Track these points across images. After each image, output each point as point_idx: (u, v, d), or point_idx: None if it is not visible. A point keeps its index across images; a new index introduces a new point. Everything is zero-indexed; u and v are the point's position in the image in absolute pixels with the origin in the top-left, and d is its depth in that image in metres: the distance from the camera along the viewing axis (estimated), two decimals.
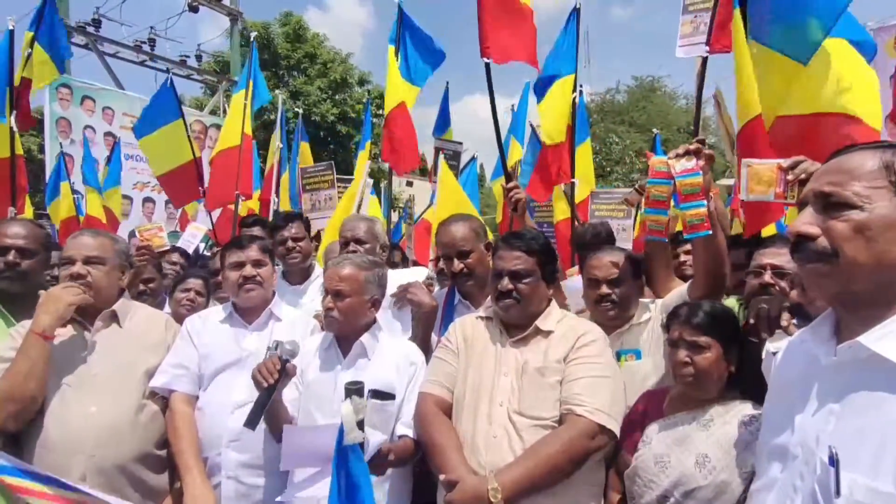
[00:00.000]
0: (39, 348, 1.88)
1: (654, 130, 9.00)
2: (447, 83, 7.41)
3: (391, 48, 4.83)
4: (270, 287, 2.35)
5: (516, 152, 6.77)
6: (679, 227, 2.89)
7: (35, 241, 2.28)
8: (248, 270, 2.25)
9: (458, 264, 2.39)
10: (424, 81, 5.01)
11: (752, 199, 2.09)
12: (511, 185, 2.67)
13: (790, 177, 1.78)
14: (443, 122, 7.25)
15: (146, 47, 13.50)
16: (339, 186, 5.28)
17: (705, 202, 1.72)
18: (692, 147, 1.77)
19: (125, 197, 8.44)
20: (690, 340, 1.73)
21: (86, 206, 6.26)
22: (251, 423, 1.79)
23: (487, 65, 3.18)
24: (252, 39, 5.58)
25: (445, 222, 2.54)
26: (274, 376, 1.81)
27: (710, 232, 1.72)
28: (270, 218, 5.15)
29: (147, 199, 10.41)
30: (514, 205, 2.57)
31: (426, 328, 2.44)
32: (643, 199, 1.97)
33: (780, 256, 1.96)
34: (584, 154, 5.69)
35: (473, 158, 8.05)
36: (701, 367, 1.71)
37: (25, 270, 2.21)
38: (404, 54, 4.86)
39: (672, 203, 1.93)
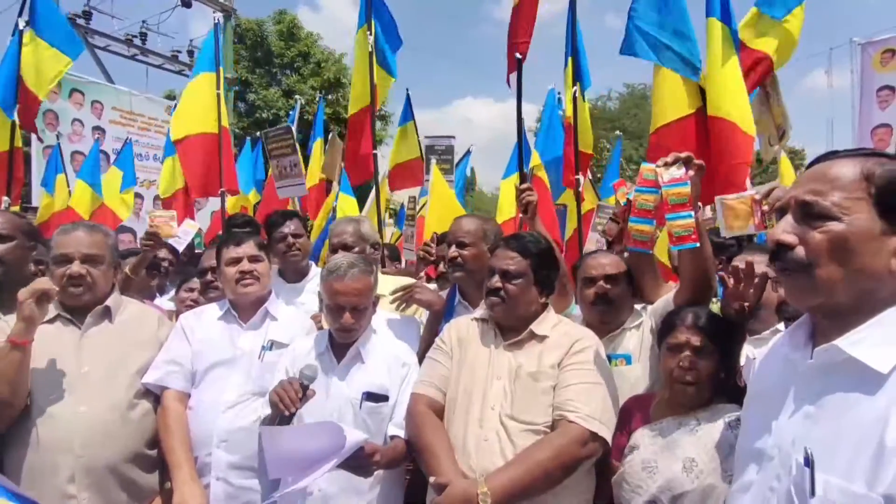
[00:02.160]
0: (6, 353, 1.81)
1: (617, 132, 9.05)
2: (407, 90, 7.52)
3: (362, 30, 4.48)
4: (267, 284, 2.34)
5: (535, 162, 6.70)
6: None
7: (13, 227, 2.23)
8: (246, 265, 2.24)
9: (453, 251, 2.37)
10: (395, 71, 4.74)
11: (733, 234, 2.16)
12: (524, 186, 2.60)
13: (765, 207, 1.78)
14: (404, 119, 7.33)
15: (137, 41, 13.34)
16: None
17: (692, 213, 1.70)
18: (682, 155, 1.74)
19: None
20: (697, 346, 1.73)
21: (69, 198, 6.13)
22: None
23: (519, 61, 3.15)
24: (216, 21, 5.11)
25: (463, 216, 2.56)
26: (296, 405, 1.73)
27: (698, 244, 1.71)
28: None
29: (136, 195, 10.26)
30: (524, 207, 2.51)
31: (434, 329, 2.39)
32: (630, 208, 1.93)
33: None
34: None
35: (468, 152, 8.06)
36: (704, 372, 1.72)
37: (1, 256, 2.16)
38: (377, 39, 4.56)
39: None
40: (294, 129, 6.45)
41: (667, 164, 1.74)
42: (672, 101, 3.17)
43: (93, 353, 2.02)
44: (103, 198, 6.21)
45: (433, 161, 5.54)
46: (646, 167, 1.83)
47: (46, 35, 4.49)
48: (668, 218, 1.73)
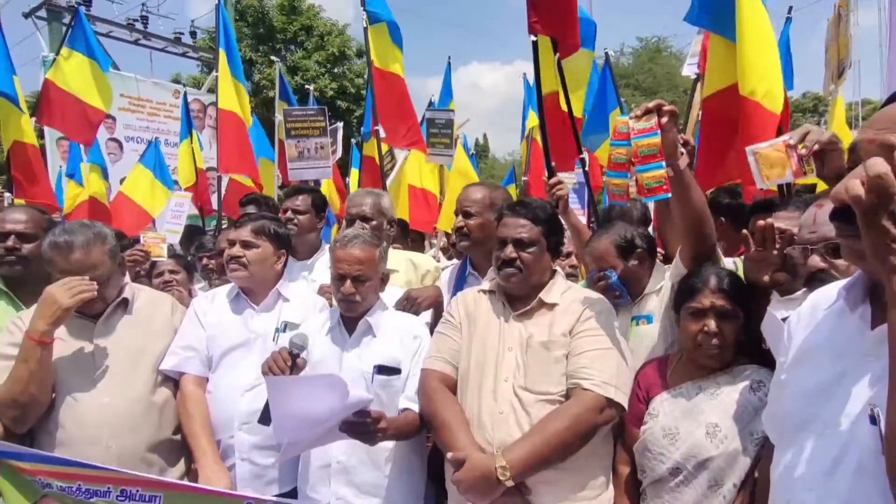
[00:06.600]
0: (38, 354, 1.82)
1: (622, 105, 8.71)
2: (449, 57, 7.44)
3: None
4: (264, 269, 2.25)
5: (532, 123, 6.69)
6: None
7: (35, 225, 2.26)
8: (235, 250, 2.22)
9: (459, 220, 2.38)
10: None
11: (771, 185, 2.06)
12: (554, 180, 2.56)
13: (802, 151, 1.72)
14: (446, 95, 7.43)
15: (139, 25, 13.26)
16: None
17: (663, 164, 1.66)
18: (651, 105, 1.68)
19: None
20: (724, 310, 1.68)
21: (86, 186, 6.16)
22: (265, 419, 1.75)
23: (535, 42, 3.00)
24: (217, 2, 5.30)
25: (470, 185, 2.56)
26: (285, 373, 1.77)
27: (669, 195, 1.67)
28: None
29: None
30: (555, 202, 2.48)
31: (439, 314, 2.37)
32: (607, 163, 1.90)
33: (794, 221, 1.87)
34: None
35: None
36: (730, 337, 1.68)
37: (27, 255, 2.20)
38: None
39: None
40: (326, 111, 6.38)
41: (637, 117, 1.69)
42: (720, 70, 3.04)
43: (111, 345, 2.04)
44: (130, 194, 6.18)
45: (458, 144, 5.48)
46: (620, 120, 1.80)
47: (83, 48, 4.67)
48: (637, 170, 1.71)
